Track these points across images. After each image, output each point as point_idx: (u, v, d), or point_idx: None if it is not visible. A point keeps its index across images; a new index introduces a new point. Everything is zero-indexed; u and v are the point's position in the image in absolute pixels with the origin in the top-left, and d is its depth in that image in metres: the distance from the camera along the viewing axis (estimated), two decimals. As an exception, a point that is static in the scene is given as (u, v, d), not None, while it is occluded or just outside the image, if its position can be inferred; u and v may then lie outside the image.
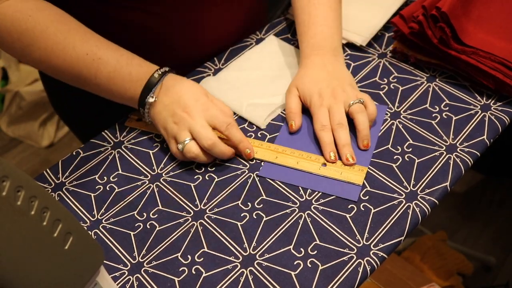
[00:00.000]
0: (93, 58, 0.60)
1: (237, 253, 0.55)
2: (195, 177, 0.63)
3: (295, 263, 0.54)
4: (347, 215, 0.57)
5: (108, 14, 0.69)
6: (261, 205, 0.59)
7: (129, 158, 0.66)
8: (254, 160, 0.64)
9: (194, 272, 0.54)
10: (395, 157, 0.62)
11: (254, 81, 0.73)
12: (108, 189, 0.63)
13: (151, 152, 0.66)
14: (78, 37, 0.60)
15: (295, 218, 0.57)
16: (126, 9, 0.69)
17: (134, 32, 0.71)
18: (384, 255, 0.54)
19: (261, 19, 0.88)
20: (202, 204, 0.60)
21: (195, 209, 0.60)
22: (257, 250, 0.55)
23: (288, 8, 0.82)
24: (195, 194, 0.61)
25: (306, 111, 0.68)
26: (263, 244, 0.56)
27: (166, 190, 0.62)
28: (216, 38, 0.77)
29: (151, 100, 0.61)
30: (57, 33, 0.60)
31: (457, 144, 0.63)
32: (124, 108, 0.72)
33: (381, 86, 0.71)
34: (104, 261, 0.56)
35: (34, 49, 0.60)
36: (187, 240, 0.57)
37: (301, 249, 0.55)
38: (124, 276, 0.55)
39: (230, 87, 0.72)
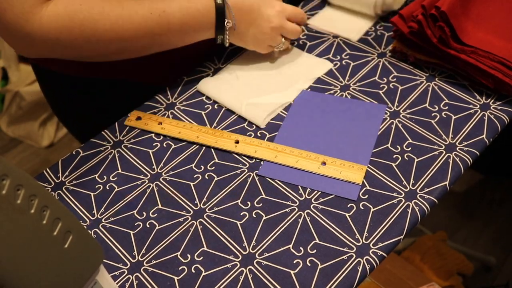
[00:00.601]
0: (158, 13, 0.62)
1: (236, 252, 0.55)
2: (195, 176, 0.63)
3: (294, 262, 0.54)
4: (347, 214, 0.57)
5: None
6: (261, 204, 0.59)
7: (128, 158, 0.66)
8: (254, 159, 0.64)
9: (193, 271, 0.54)
10: (394, 156, 0.62)
11: (253, 80, 0.73)
12: (108, 188, 0.63)
13: (150, 151, 0.66)
14: (132, 2, 0.61)
15: (294, 217, 0.58)
16: None
17: None
18: (383, 254, 0.54)
19: None
20: (202, 203, 0.60)
21: (195, 208, 0.60)
22: (256, 249, 0.55)
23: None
24: (195, 193, 0.61)
25: (305, 111, 0.68)
26: (262, 243, 0.56)
27: (166, 189, 0.62)
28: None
29: (229, 25, 0.67)
30: (113, 9, 0.60)
31: (457, 143, 0.63)
32: (121, 107, 0.73)
33: (381, 86, 0.71)
34: (104, 260, 0.56)
35: (100, 34, 0.60)
36: (186, 239, 0.57)
37: (301, 248, 0.55)
38: (124, 275, 0.55)
39: (229, 87, 0.72)
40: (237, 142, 0.65)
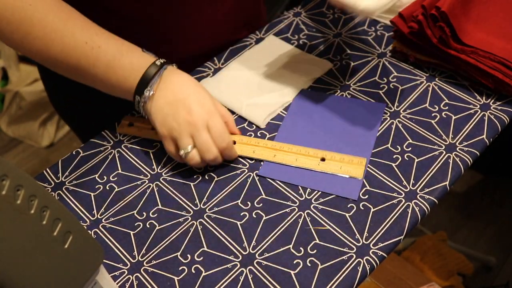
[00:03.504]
0: (92, 46, 0.59)
1: (236, 252, 0.55)
2: (195, 176, 0.63)
3: (294, 262, 0.54)
4: (347, 214, 0.57)
5: (107, 7, 0.69)
6: (261, 204, 0.59)
7: (129, 158, 0.66)
8: (254, 160, 0.64)
9: (193, 271, 0.54)
10: (394, 156, 0.62)
11: (253, 80, 0.73)
12: (108, 188, 0.63)
13: (151, 151, 0.66)
14: (78, 25, 0.59)
15: (294, 218, 0.58)
16: (125, 2, 0.68)
17: (132, 25, 0.71)
18: (383, 254, 0.54)
19: (261, 19, 0.88)
20: (202, 203, 0.60)
21: (195, 208, 0.60)
22: (256, 249, 0.55)
23: (288, 8, 0.82)
24: (195, 194, 0.61)
25: (304, 111, 0.68)
26: (262, 243, 0.56)
27: (166, 189, 0.62)
28: (214, 31, 0.77)
29: (148, 93, 0.60)
30: (55, 21, 0.58)
31: (457, 144, 0.63)
32: (125, 105, 0.72)
33: (381, 86, 0.71)
34: (104, 260, 0.56)
35: (32, 38, 0.58)
36: (186, 239, 0.57)
37: (301, 248, 0.55)
38: (124, 275, 0.55)
39: (229, 87, 0.72)
40: (234, 143, 0.64)
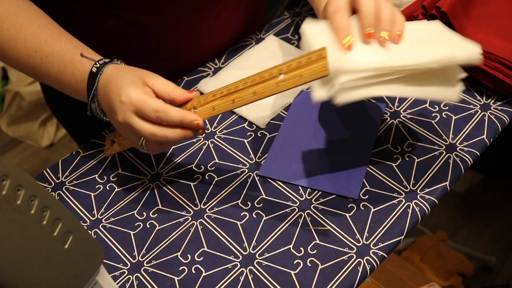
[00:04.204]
0: (41, 56, 0.58)
1: (237, 252, 0.55)
2: (195, 176, 0.63)
3: (295, 262, 0.54)
4: (347, 215, 0.57)
5: (108, 26, 0.69)
6: (261, 204, 0.59)
7: (129, 158, 0.66)
8: (254, 160, 0.64)
9: (194, 271, 0.54)
10: (394, 156, 0.62)
11: None
12: (108, 188, 0.63)
13: (151, 151, 0.66)
14: (31, 31, 0.58)
15: (294, 218, 0.57)
16: (125, 21, 0.68)
17: (133, 40, 0.71)
18: (383, 254, 0.54)
19: (261, 19, 0.88)
20: (202, 203, 0.60)
21: (195, 208, 0.60)
22: (257, 250, 0.55)
23: (288, 8, 0.82)
24: (195, 194, 0.61)
25: (305, 111, 0.68)
26: (263, 244, 0.56)
27: (166, 189, 0.62)
28: (214, 45, 0.77)
29: (93, 106, 0.58)
30: (10, 28, 0.58)
31: (457, 144, 0.63)
32: None
33: (381, 86, 0.71)
34: (104, 261, 0.56)
35: None
36: (187, 240, 0.57)
37: (301, 248, 0.55)
38: (124, 275, 0.55)
39: None
40: (194, 108, 0.56)
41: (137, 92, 0.53)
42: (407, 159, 0.62)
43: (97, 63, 0.57)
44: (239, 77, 0.73)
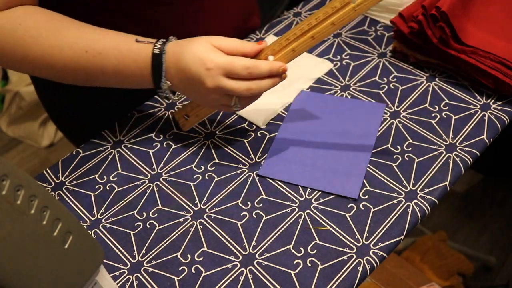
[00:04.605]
0: (93, 54, 0.57)
1: (236, 252, 0.55)
2: (195, 176, 0.63)
3: (294, 262, 0.54)
4: (347, 214, 0.57)
5: (114, 10, 0.69)
6: (261, 204, 0.59)
7: (129, 158, 0.66)
8: (254, 159, 0.64)
9: (194, 271, 0.54)
10: (394, 156, 0.62)
11: None
12: (108, 188, 0.63)
13: (151, 151, 0.66)
14: (72, 34, 0.57)
15: (294, 218, 0.57)
16: (132, 4, 0.68)
17: (138, 26, 0.71)
18: (383, 254, 0.54)
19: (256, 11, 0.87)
20: (202, 203, 0.60)
21: (195, 208, 0.60)
22: (256, 250, 0.55)
23: (288, 8, 0.82)
24: (195, 194, 0.61)
25: (305, 111, 0.68)
26: (262, 244, 0.56)
27: (166, 189, 0.62)
28: (218, 30, 0.77)
29: (165, 85, 0.58)
30: (49, 36, 0.56)
31: (457, 144, 0.63)
32: (118, 111, 0.72)
33: (381, 86, 0.71)
34: (104, 261, 0.56)
35: (31, 59, 0.57)
36: (187, 240, 0.57)
37: (301, 248, 0.55)
38: (124, 275, 0.55)
39: None
40: (270, 57, 0.59)
41: (221, 56, 0.55)
42: (407, 159, 0.62)
43: (156, 44, 0.58)
44: None
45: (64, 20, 0.58)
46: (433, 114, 0.66)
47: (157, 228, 0.58)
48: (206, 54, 0.55)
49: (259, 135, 0.67)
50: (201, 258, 0.55)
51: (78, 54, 0.57)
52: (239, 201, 0.60)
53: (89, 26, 0.59)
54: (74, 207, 0.62)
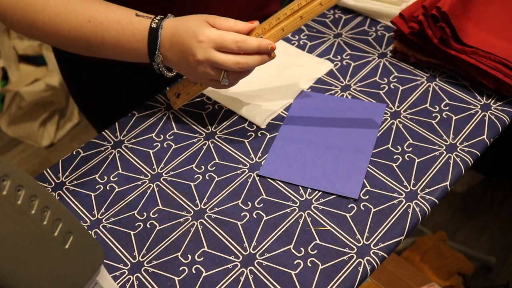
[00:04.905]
0: (95, 24, 0.60)
1: (237, 252, 0.55)
2: (195, 176, 0.63)
3: (295, 262, 0.54)
4: (347, 215, 0.57)
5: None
6: (261, 204, 0.59)
7: (129, 158, 0.66)
8: (254, 160, 0.64)
9: (194, 272, 0.54)
10: (395, 156, 0.62)
11: (254, 80, 0.73)
12: (108, 188, 0.63)
13: (151, 151, 0.66)
14: (79, 4, 0.60)
15: (295, 218, 0.57)
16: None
17: (162, 7, 0.72)
18: (384, 254, 0.54)
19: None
20: (202, 203, 0.60)
21: (195, 208, 0.60)
22: (257, 250, 0.55)
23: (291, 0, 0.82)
24: (195, 194, 0.61)
25: (305, 111, 0.68)
26: (263, 244, 0.56)
27: (166, 189, 0.62)
28: (243, 6, 0.78)
29: (159, 59, 0.61)
30: (57, 4, 0.59)
31: (457, 144, 0.63)
32: (141, 94, 0.72)
33: (381, 86, 0.71)
34: (104, 261, 0.56)
35: (39, 24, 0.60)
36: (187, 240, 0.57)
37: (301, 248, 0.55)
38: (124, 275, 0.55)
39: (233, 91, 0.72)
40: (261, 36, 0.60)
41: (213, 30, 0.58)
42: (407, 159, 0.62)
43: (154, 19, 0.60)
44: None
45: None
46: (433, 114, 0.66)
47: (157, 228, 0.58)
48: (200, 28, 0.57)
49: (260, 135, 0.67)
50: (202, 258, 0.55)
51: (81, 23, 0.60)
52: (239, 201, 0.60)
53: None
54: (74, 207, 0.62)
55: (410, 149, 0.63)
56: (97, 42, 0.61)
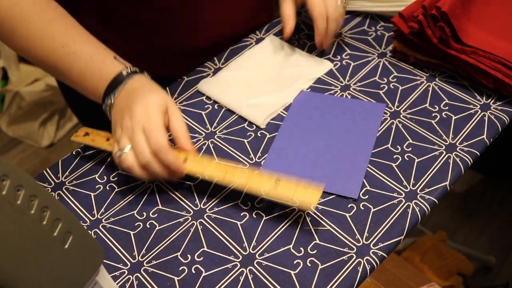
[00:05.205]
0: (68, 51, 0.59)
1: (236, 252, 0.55)
2: (195, 176, 0.63)
3: (294, 262, 0.54)
4: (347, 215, 0.57)
5: (115, 10, 0.69)
6: (261, 204, 0.59)
7: (129, 158, 0.66)
8: (254, 159, 0.64)
9: (194, 271, 0.54)
10: (394, 156, 0.62)
11: (254, 80, 0.73)
12: (108, 188, 0.63)
13: (151, 151, 0.66)
14: (59, 28, 0.60)
15: (294, 218, 0.57)
16: (132, 4, 0.69)
17: (140, 20, 0.71)
18: (383, 254, 0.54)
19: (268, 7, 0.88)
20: (202, 203, 0.60)
21: (195, 208, 0.60)
22: (256, 250, 0.55)
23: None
24: (195, 193, 0.61)
25: (305, 111, 0.68)
26: (262, 244, 0.56)
27: (166, 189, 0.62)
28: (234, 17, 0.78)
29: (109, 101, 0.59)
30: (38, 23, 0.59)
31: (457, 144, 0.63)
32: None
33: (381, 86, 0.71)
34: (104, 261, 0.56)
35: (15, 37, 0.59)
36: (187, 240, 0.57)
37: (301, 248, 0.55)
38: (124, 275, 0.55)
39: (230, 87, 0.72)
40: (185, 160, 0.58)
41: (158, 118, 0.56)
42: (407, 159, 0.62)
43: (129, 68, 0.60)
44: (240, 77, 0.74)
45: (59, 13, 0.61)
46: (433, 114, 0.66)
47: (157, 228, 0.58)
48: (154, 106, 0.56)
49: (259, 135, 0.67)
50: (201, 258, 0.55)
51: (55, 47, 0.59)
52: (239, 201, 0.60)
53: (80, 27, 0.61)
54: (74, 207, 0.62)
55: (410, 149, 0.63)
56: (64, 69, 0.60)
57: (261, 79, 0.73)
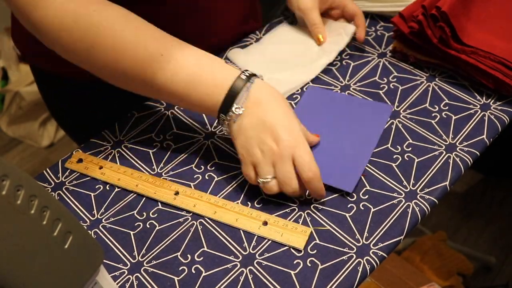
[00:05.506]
0: (169, 59, 0.53)
1: (236, 252, 0.55)
2: (195, 176, 0.63)
3: (294, 262, 0.54)
4: (347, 214, 0.57)
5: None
6: (261, 204, 0.59)
7: (129, 158, 0.66)
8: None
9: (194, 271, 0.54)
10: (394, 156, 0.62)
11: (281, 54, 0.75)
12: (108, 188, 0.63)
13: (150, 151, 0.66)
14: (150, 35, 0.53)
15: (295, 217, 0.57)
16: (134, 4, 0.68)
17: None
18: (383, 254, 0.54)
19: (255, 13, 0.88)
20: (202, 203, 0.60)
21: (195, 208, 0.60)
22: (256, 249, 0.55)
23: (288, 8, 0.82)
24: (195, 194, 0.61)
25: (313, 107, 0.68)
26: (262, 243, 0.56)
27: (166, 189, 0.62)
28: (223, 26, 0.78)
29: (239, 111, 0.53)
30: (125, 31, 0.52)
31: (457, 144, 0.63)
32: (121, 109, 0.72)
33: (381, 86, 0.71)
34: (104, 261, 0.56)
35: (99, 50, 0.53)
36: (186, 240, 0.57)
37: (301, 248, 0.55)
38: (124, 275, 0.55)
39: (255, 59, 0.74)
40: (176, 193, 0.60)
41: (307, 147, 0.54)
42: (407, 159, 0.62)
43: (246, 71, 0.54)
44: (267, 51, 0.77)
45: (139, 19, 0.55)
46: (433, 114, 0.66)
47: (157, 228, 0.58)
48: (300, 134, 0.54)
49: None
50: (201, 258, 0.55)
51: (152, 56, 0.53)
52: (239, 201, 0.60)
53: (164, 32, 0.56)
54: (74, 207, 0.62)
55: (410, 149, 0.63)
56: (166, 80, 0.53)
57: (288, 53, 0.75)
